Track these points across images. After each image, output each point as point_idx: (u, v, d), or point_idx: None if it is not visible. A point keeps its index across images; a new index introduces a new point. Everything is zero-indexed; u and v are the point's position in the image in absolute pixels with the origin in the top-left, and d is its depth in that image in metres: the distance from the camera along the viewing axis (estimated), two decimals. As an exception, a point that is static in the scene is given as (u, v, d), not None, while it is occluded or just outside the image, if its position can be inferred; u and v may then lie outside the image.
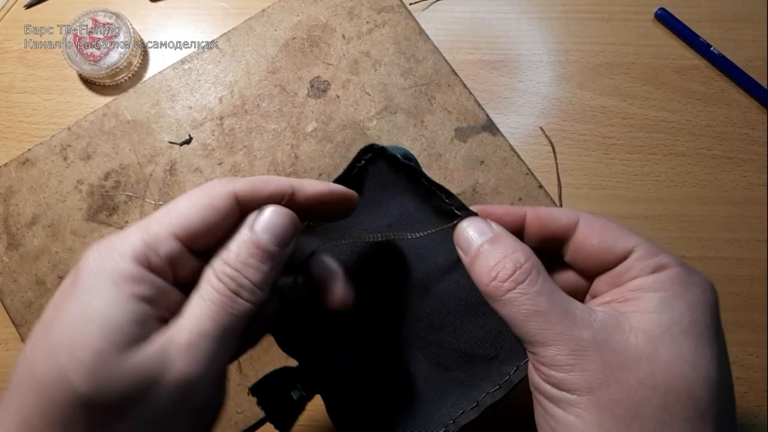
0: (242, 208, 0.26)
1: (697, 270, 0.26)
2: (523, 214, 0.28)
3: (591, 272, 0.28)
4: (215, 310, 0.24)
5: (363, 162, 0.31)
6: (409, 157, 0.32)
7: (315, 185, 0.27)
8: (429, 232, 0.30)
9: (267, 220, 0.25)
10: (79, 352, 0.21)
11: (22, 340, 0.43)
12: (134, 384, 0.22)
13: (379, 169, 0.31)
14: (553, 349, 0.24)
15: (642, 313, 0.24)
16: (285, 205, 0.26)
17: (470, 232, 0.28)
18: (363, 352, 0.32)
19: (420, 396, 0.32)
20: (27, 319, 0.43)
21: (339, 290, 0.28)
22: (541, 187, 0.46)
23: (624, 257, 0.26)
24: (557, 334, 0.24)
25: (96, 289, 0.23)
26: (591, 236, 0.27)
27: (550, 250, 0.29)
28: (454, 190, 0.45)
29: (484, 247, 0.27)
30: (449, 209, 0.29)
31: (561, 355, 0.23)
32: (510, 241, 0.27)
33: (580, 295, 0.28)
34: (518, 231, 0.29)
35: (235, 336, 0.25)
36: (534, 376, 0.25)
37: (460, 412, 0.30)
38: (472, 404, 0.30)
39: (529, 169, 0.46)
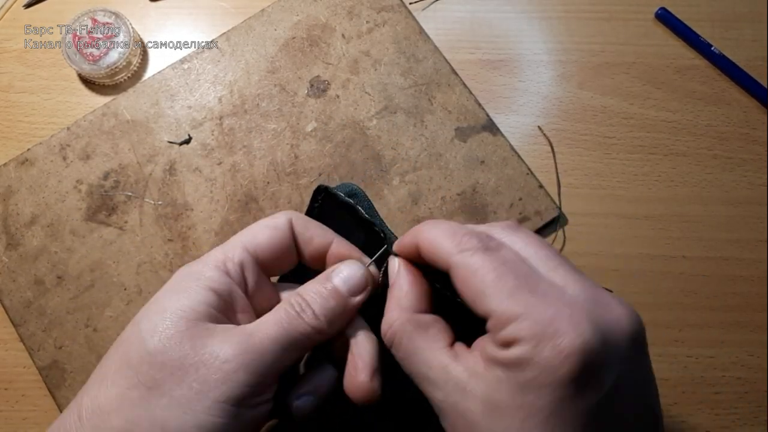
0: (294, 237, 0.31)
1: (558, 333, 0.22)
2: (416, 246, 0.29)
3: None
4: (280, 320, 0.28)
5: (319, 201, 0.34)
6: (355, 193, 0.36)
7: (350, 251, 0.31)
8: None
9: (345, 273, 0.30)
10: (155, 319, 0.27)
11: (22, 340, 0.43)
12: (196, 352, 0.26)
13: (334, 206, 0.34)
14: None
15: (485, 385, 0.24)
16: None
17: (389, 274, 0.30)
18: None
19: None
20: (26, 319, 0.43)
21: (363, 378, 0.29)
22: (541, 187, 0.46)
23: (485, 317, 0.25)
24: (424, 391, 0.26)
25: (180, 281, 0.28)
26: (460, 288, 0.26)
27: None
28: (454, 190, 0.46)
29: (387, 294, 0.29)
30: (380, 239, 0.32)
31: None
32: (392, 295, 0.29)
33: None
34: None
35: (291, 356, 0.28)
36: None
37: None
38: None
39: (529, 169, 0.46)
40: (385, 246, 0.31)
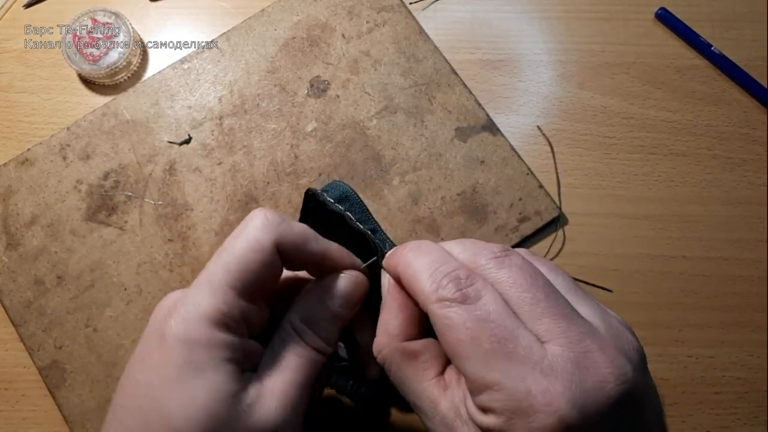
0: (281, 254, 0.28)
1: (534, 408, 0.22)
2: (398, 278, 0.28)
3: None
4: (302, 363, 0.27)
5: (311, 205, 0.33)
6: (346, 196, 0.34)
7: (344, 258, 0.30)
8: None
9: (344, 288, 0.29)
10: (193, 415, 0.24)
11: (22, 340, 0.43)
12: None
13: (327, 210, 0.33)
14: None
15: None
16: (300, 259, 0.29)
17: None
18: None
19: None
20: (26, 319, 0.43)
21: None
22: (541, 187, 0.46)
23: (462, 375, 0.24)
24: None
25: (190, 355, 0.25)
26: (439, 337, 0.25)
27: None
28: (454, 190, 0.46)
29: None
30: (371, 249, 0.31)
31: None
32: (381, 317, 0.28)
33: None
34: None
35: (312, 385, 0.28)
36: None
37: None
38: None
39: (529, 169, 0.46)
40: (375, 258, 0.31)
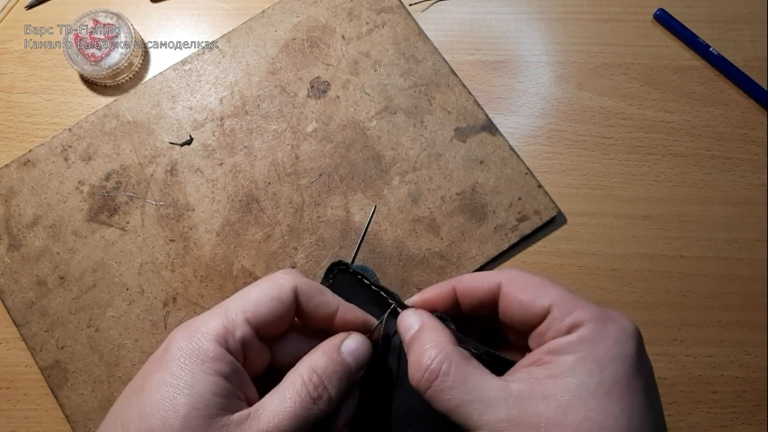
0: (297, 304, 0.30)
1: (616, 317, 0.27)
2: (452, 288, 0.31)
3: (521, 330, 0.29)
4: (295, 409, 0.27)
5: (331, 280, 0.35)
6: (365, 268, 0.37)
7: (357, 315, 0.31)
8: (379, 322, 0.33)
9: (354, 347, 0.30)
10: (169, 417, 0.25)
11: (23, 339, 0.43)
12: None
13: (347, 281, 0.35)
14: None
15: (553, 378, 0.26)
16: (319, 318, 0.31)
17: (402, 328, 0.31)
18: None
19: None
20: (28, 320, 0.43)
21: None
22: (540, 186, 0.46)
23: (543, 316, 0.27)
24: (477, 420, 0.26)
25: (184, 364, 0.26)
26: (513, 297, 0.29)
27: (488, 315, 0.31)
28: (453, 190, 0.46)
29: (410, 343, 0.29)
30: (392, 307, 0.33)
31: None
32: (426, 336, 0.29)
33: (523, 351, 0.30)
34: (454, 304, 0.31)
35: None
36: None
37: None
38: None
39: (528, 169, 0.46)
40: (393, 304, 0.32)
